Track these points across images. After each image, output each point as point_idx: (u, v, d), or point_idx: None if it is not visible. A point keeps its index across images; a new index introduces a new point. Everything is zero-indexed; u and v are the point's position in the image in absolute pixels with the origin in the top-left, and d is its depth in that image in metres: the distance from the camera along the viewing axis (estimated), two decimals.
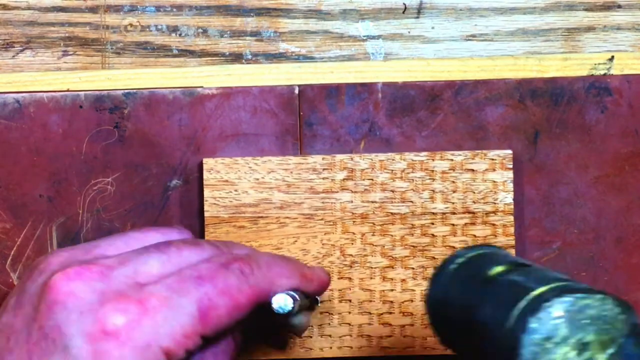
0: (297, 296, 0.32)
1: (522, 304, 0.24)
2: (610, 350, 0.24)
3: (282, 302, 0.31)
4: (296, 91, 0.36)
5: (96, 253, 0.33)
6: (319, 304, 0.36)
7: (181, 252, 0.32)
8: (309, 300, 0.35)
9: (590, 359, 0.23)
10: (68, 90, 0.36)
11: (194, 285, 0.30)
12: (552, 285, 0.24)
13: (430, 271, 0.36)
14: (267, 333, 0.37)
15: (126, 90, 0.36)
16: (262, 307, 0.32)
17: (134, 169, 0.37)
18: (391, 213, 0.35)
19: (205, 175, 0.35)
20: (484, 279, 0.28)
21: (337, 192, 0.35)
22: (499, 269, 0.27)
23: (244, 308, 0.31)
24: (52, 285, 0.30)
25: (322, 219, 0.35)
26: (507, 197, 0.35)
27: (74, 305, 0.29)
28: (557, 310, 0.23)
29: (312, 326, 0.36)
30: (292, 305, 0.31)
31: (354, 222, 0.35)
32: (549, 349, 0.23)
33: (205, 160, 0.36)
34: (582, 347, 0.23)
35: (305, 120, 0.36)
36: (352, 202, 0.35)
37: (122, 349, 0.29)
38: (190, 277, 0.31)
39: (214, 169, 0.35)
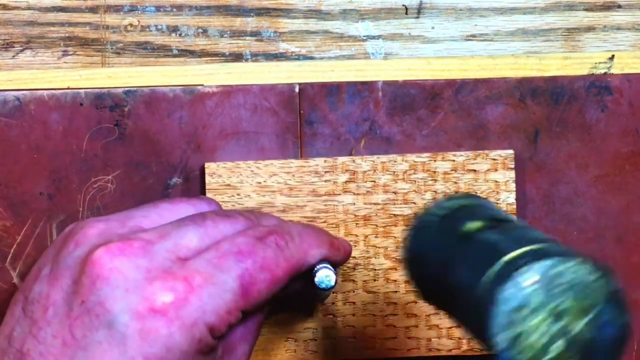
0: (334, 270, 0.33)
1: (494, 270, 0.23)
2: (587, 318, 0.23)
3: (324, 278, 0.32)
4: (296, 89, 0.36)
5: (132, 225, 0.33)
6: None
7: (217, 225, 0.33)
8: None
9: (566, 326, 0.22)
10: (68, 88, 0.36)
11: (235, 261, 0.31)
12: (527, 248, 0.24)
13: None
14: (294, 301, 0.37)
15: (126, 88, 0.36)
16: (295, 277, 0.33)
17: (134, 167, 0.37)
18: (394, 215, 0.35)
19: (207, 179, 0.36)
20: (460, 234, 0.27)
21: (340, 194, 0.35)
22: (476, 224, 0.27)
23: (282, 281, 0.32)
24: (95, 260, 0.30)
25: (324, 222, 0.35)
26: (509, 197, 0.35)
27: (119, 282, 0.30)
28: (530, 278, 0.22)
29: (316, 329, 0.37)
30: (334, 281, 0.32)
31: (356, 224, 0.36)
32: (522, 317, 0.22)
33: (207, 164, 0.36)
34: (558, 314, 0.23)
35: (306, 119, 0.36)
36: (354, 204, 0.35)
37: (170, 327, 0.29)
38: (229, 252, 0.31)
39: (216, 173, 0.36)
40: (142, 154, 0.37)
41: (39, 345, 0.31)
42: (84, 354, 0.30)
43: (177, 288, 0.30)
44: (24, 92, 0.37)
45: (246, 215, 0.34)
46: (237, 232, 0.33)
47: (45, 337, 0.31)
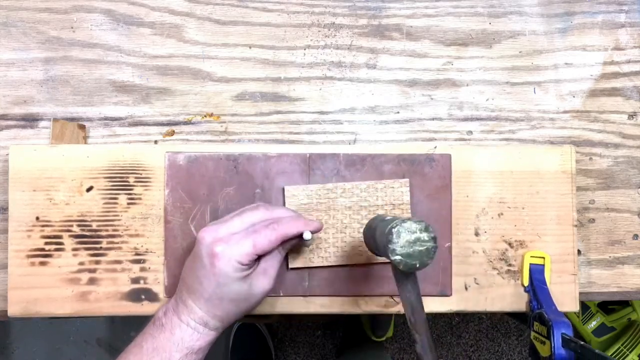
0: (310, 234, 0.48)
1: (389, 228, 0.39)
2: (427, 234, 0.38)
3: (306, 235, 0.48)
4: (308, 155, 0.58)
5: (218, 220, 0.47)
6: (311, 240, 0.54)
7: (247, 216, 0.47)
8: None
9: (419, 239, 0.38)
10: (215, 152, 0.57)
11: (252, 235, 0.45)
12: (397, 219, 0.40)
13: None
14: (293, 247, 0.54)
15: (239, 152, 0.58)
16: (292, 238, 0.47)
17: (241, 185, 0.57)
18: (347, 207, 0.57)
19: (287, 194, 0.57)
20: (379, 220, 0.44)
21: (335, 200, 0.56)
22: (384, 217, 0.44)
23: (274, 243, 0.46)
24: (198, 235, 0.46)
25: (325, 205, 0.56)
26: (406, 197, 0.58)
27: (203, 243, 0.46)
28: (402, 228, 0.38)
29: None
30: (310, 237, 0.49)
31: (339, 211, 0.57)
32: (402, 243, 0.38)
33: (286, 187, 0.57)
34: (415, 238, 0.37)
35: (311, 166, 0.58)
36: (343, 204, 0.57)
37: (220, 261, 0.45)
38: (251, 232, 0.46)
39: (291, 192, 0.57)
40: (245, 179, 0.56)
41: (186, 270, 0.48)
42: (194, 272, 0.46)
43: (224, 246, 0.44)
44: (196, 153, 0.57)
45: (266, 207, 0.48)
46: (258, 219, 0.46)
47: (187, 267, 0.48)
